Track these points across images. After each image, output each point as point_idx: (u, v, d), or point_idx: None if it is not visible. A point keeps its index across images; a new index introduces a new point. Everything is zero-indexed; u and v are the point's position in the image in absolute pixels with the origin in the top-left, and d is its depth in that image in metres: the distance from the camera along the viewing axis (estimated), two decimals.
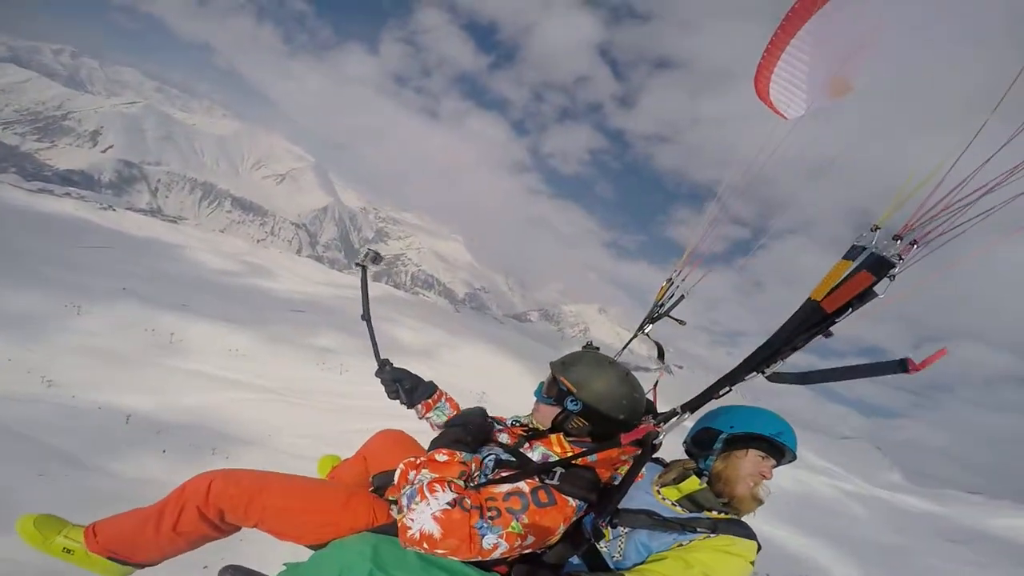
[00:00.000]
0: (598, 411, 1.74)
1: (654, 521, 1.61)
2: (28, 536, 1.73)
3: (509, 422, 2.16)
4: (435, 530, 1.37)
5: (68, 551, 1.74)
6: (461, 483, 1.55)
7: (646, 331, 2.50)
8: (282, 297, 9.79)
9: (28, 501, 2.80)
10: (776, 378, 1.12)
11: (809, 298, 1.11)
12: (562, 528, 1.55)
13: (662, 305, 2.50)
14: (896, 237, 1.13)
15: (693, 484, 1.68)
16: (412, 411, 2.14)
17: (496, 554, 1.44)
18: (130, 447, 3.76)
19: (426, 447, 2.14)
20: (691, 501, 1.67)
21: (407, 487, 1.51)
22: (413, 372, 2.17)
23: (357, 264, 2.21)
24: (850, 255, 1.10)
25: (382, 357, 2.15)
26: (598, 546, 1.64)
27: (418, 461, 1.62)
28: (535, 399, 1.92)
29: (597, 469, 1.66)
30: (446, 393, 2.24)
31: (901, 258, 1.11)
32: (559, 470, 1.57)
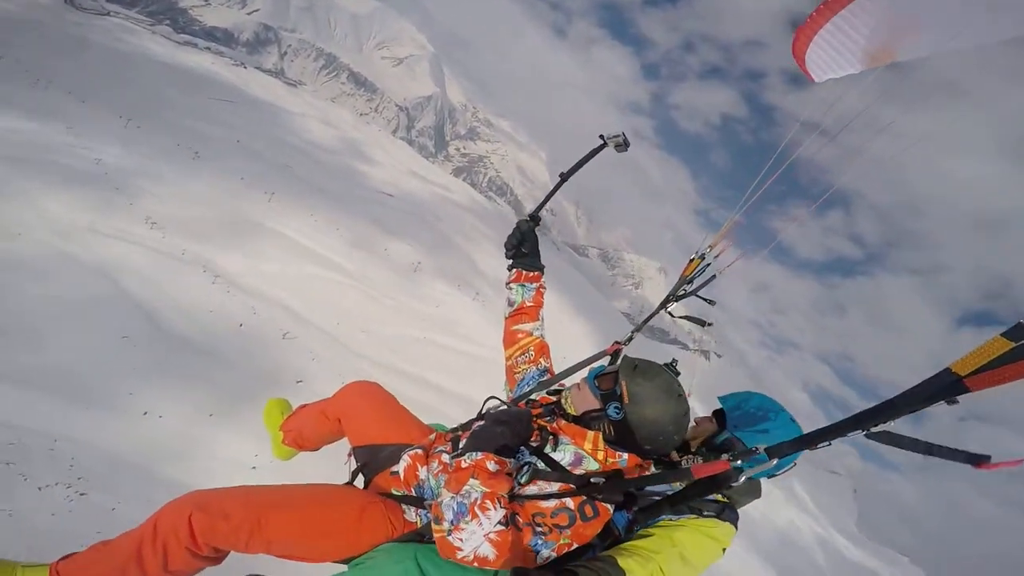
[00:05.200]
0: (631, 433, 1.62)
1: (668, 499, 1.62)
2: None
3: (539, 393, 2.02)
4: (490, 553, 1.36)
5: None
6: (507, 497, 1.49)
7: (668, 309, 2.32)
8: (375, 179, 9.90)
9: (102, 364, 2.97)
10: (874, 437, 1.02)
11: (949, 369, 0.92)
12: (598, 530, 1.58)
13: (690, 282, 2.32)
14: None
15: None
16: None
17: (548, 561, 1.50)
18: (210, 317, 3.90)
19: (401, 406, 2.10)
20: None
21: (452, 498, 1.41)
22: (539, 247, 2.28)
23: (601, 137, 2.13)
24: (1013, 334, 0.86)
25: (537, 215, 2.28)
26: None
27: (445, 461, 1.61)
28: (585, 379, 1.77)
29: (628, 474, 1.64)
30: (544, 287, 2.24)
31: None
32: (601, 481, 1.54)
